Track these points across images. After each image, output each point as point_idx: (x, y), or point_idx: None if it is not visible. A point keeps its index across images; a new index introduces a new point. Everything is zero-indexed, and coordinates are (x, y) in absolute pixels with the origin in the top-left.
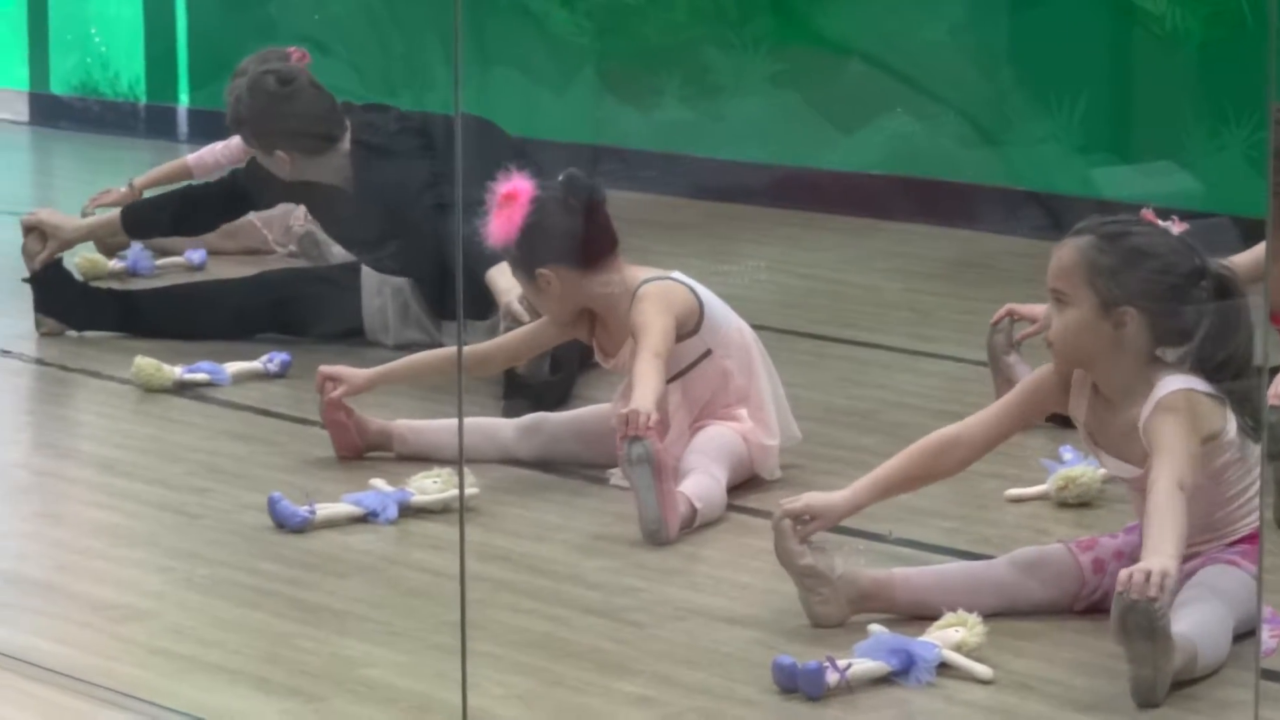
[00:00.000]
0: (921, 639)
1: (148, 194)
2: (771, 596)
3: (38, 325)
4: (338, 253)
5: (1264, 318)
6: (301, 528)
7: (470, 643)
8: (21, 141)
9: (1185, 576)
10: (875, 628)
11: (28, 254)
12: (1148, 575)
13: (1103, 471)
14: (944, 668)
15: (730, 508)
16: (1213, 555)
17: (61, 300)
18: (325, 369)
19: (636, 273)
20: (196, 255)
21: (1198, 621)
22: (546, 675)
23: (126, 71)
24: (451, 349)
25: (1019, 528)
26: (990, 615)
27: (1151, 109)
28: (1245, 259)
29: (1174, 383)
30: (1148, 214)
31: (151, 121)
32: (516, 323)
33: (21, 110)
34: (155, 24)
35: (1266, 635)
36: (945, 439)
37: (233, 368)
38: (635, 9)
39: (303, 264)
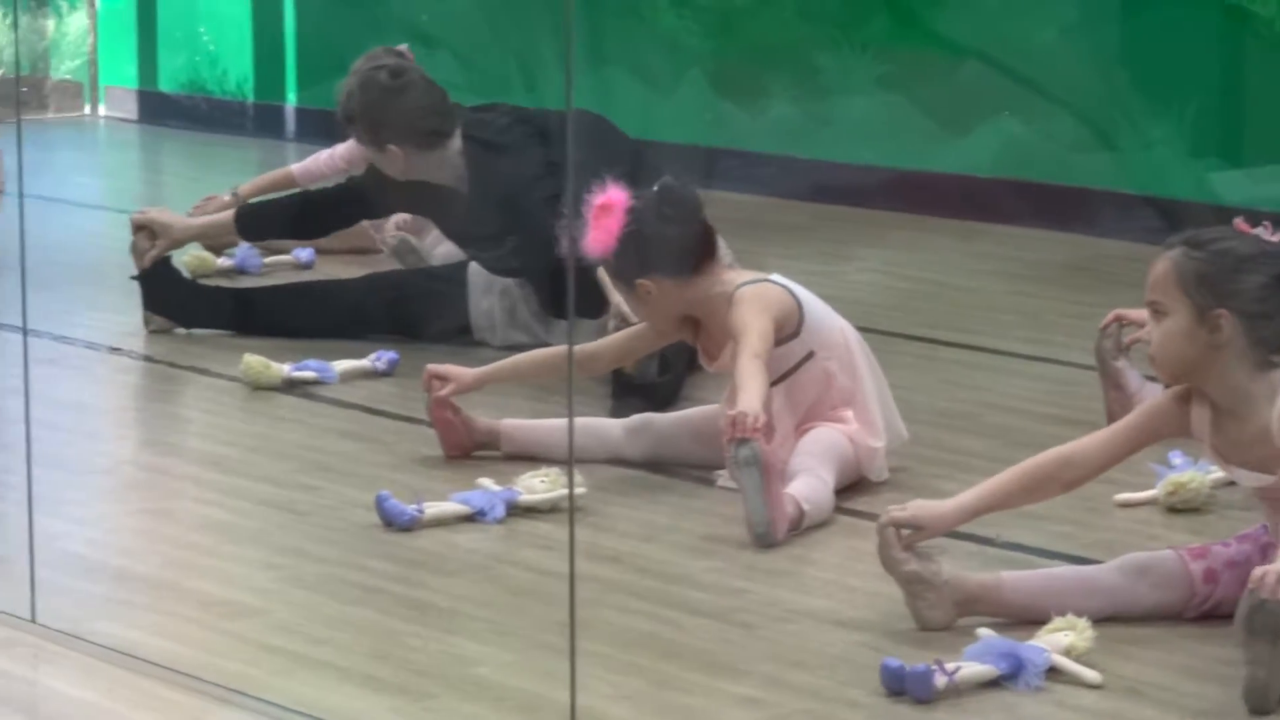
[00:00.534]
0: (1030, 643)
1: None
2: (879, 599)
3: (146, 323)
4: (439, 254)
5: None
6: (409, 526)
7: (579, 642)
8: (130, 139)
9: None
10: (984, 631)
11: (137, 252)
12: None
13: (1212, 477)
14: (1053, 672)
15: (838, 510)
16: None
17: (170, 298)
18: (433, 367)
19: (734, 277)
20: (304, 254)
21: None
22: (654, 675)
23: (235, 70)
24: (559, 348)
25: (1128, 533)
26: (1099, 620)
27: (1263, 113)
28: None
29: None
30: (1240, 224)
31: (259, 120)
32: (625, 322)
33: (130, 108)
34: (264, 23)
35: None
36: (1059, 459)
37: (341, 366)
38: (744, 9)
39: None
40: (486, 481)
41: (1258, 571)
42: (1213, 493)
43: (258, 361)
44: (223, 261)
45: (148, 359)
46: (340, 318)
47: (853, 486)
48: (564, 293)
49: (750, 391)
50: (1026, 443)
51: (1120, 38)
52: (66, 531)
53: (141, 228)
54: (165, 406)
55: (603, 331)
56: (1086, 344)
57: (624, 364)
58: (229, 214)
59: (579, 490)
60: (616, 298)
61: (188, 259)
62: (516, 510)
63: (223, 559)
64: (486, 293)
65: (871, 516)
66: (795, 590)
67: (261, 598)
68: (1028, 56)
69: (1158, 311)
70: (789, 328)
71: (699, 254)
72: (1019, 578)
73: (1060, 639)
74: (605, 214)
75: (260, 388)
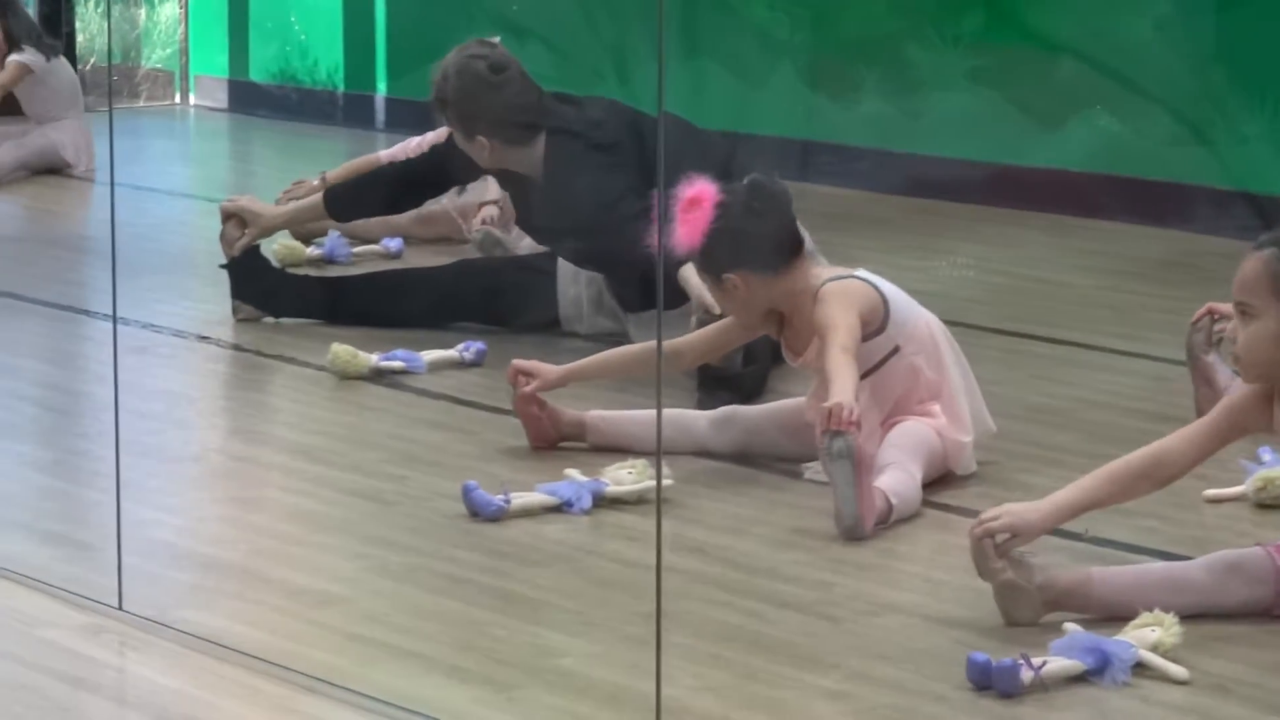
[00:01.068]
0: (1117, 638)
1: None
2: (966, 593)
3: (235, 311)
4: (525, 245)
5: None
6: (496, 516)
7: (664, 634)
8: (220, 128)
9: None
10: (1071, 626)
11: (226, 240)
12: None
13: None
14: (1140, 668)
15: (924, 503)
16: None
17: (259, 286)
18: (518, 363)
19: (820, 272)
20: (393, 243)
21: None
22: (740, 668)
23: (325, 60)
24: (645, 344)
25: (1217, 529)
26: (1187, 616)
27: None
28: None
29: None
30: None
31: (349, 110)
32: (709, 317)
33: (221, 97)
34: (354, 13)
35: None
36: (1148, 459)
37: (429, 355)
38: (835, 2)
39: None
40: (573, 472)
41: None
42: None
43: (345, 351)
44: (311, 251)
45: (236, 347)
46: (429, 306)
47: (939, 480)
48: (640, 289)
49: (841, 384)
50: (1116, 438)
51: (1215, 32)
52: (154, 519)
53: (231, 216)
54: (253, 395)
55: (683, 321)
56: (1179, 339)
57: (710, 359)
58: (317, 198)
59: (666, 482)
60: (698, 293)
61: (276, 248)
62: (603, 501)
63: (310, 548)
64: (574, 281)
65: (958, 510)
66: (882, 584)
67: (348, 587)
68: (1121, 51)
69: (1245, 313)
70: (874, 323)
71: (787, 249)
72: (1107, 574)
73: (1148, 635)
74: (694, 208)
75: (348, 377)
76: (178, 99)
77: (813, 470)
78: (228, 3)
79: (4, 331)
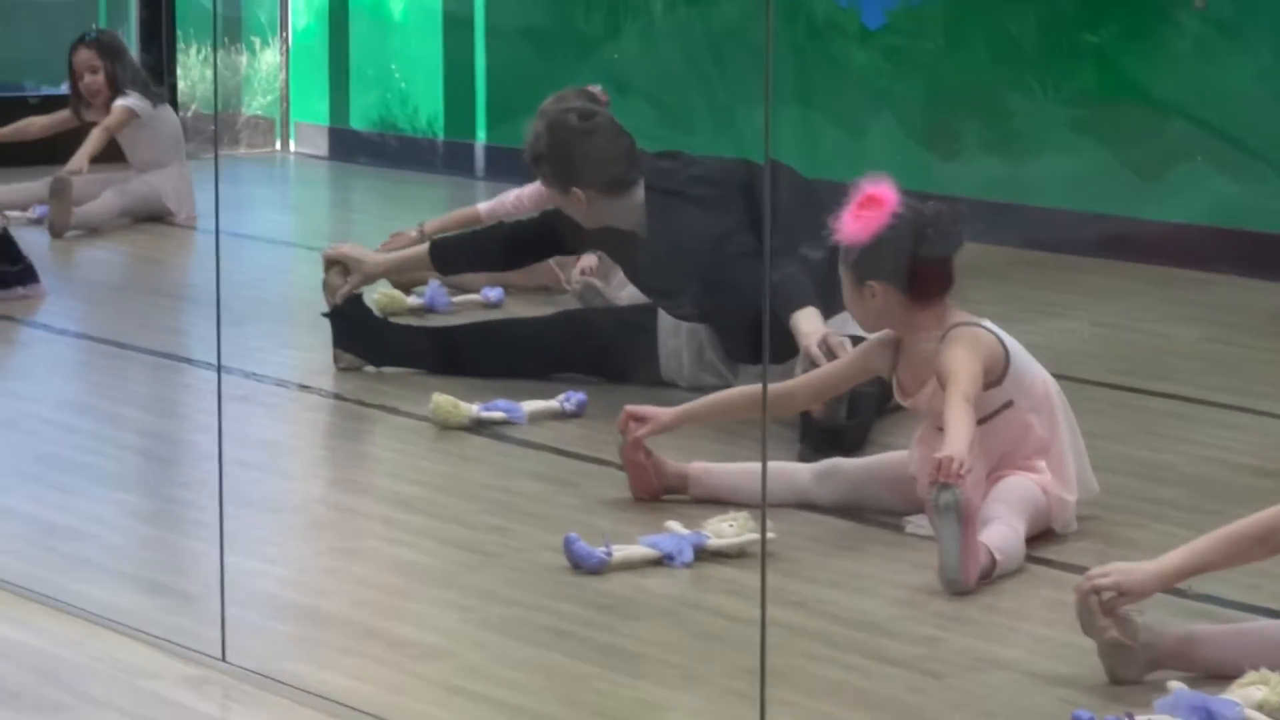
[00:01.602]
0: (1222, 697)
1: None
2: (1070, 649)
3: (336, 360)
4: (625, 296)
5: None
6: (598, 569)
7: (767, 690)
8: (321, 176)
9: None
10: (1175, 684)
11: (329, 288)
12: None
13: None
14: None
15: (1027, 558)
16: None
17: (360, 335)
18: (631, 408)
19: (952, 315)
20: (493, 293)
21: None
22: None
23: (425, 108)
24: (755, 387)
25: None
26: None
27: None
28: None
29: None
30: None
31: (449, 158)
32: (815, 367)
33: (321, 145)
34: (455, 61)
35: None
36: (1264, 525)
37: (530, 406)
38: (935, 52)
39: None
40: (675, 525)
41: None
42: None
43: (447, 401)
44: (412, 300)
45: (337, 397)
46: (530, 356)
47: (1041, 535)
48: (747, 339)
49: (957, 435)
50: (1223, 494)
51: None
52: (257, 570)
53: (334, 263)
54: (354, 445)
55: (790, 375)
56: None
57: (817, 403)
58: (421, 248)
59: (769, 535)
60: (807, 342)
61: (378, 297)
62: (704, 554)
63: (412, 600)
64: (674, 334)
65: (1062, 565)
66: (985, 639)
67: (450, 640)
68: (1221, 102)
69: None
70: (994, 374)
71: (936, 284)
72: (1212, 632)
73: (1253, 693)
74: (871, 205)
75: (449, 427)
76: (278, 146)
77: (915, 524)
78: (328, 50)
79: (107, 380)
